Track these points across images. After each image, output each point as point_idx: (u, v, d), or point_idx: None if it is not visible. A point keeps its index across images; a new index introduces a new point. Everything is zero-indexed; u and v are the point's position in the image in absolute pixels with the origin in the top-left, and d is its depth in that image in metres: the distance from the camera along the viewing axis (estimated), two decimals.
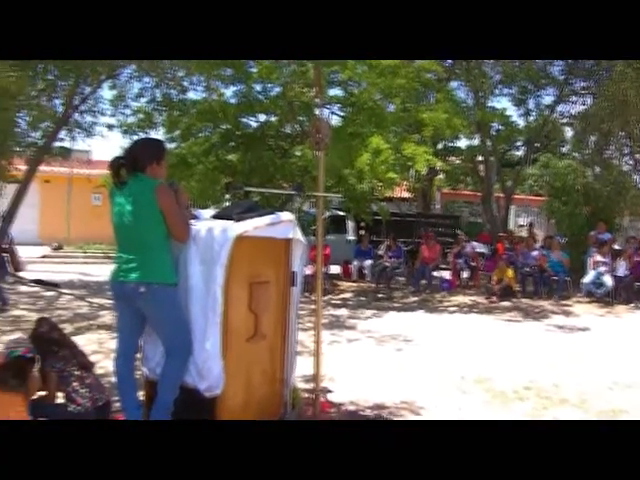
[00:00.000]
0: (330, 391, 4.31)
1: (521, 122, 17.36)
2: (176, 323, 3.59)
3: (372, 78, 10.93)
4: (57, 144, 14.10)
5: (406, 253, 13.62)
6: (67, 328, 7.17)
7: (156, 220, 3.48)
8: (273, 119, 12.75)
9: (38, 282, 11.35)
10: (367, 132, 10.86)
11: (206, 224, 3.66)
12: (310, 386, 4.67)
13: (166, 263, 3.55)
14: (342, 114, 12.41)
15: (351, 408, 4.62)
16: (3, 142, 10.34)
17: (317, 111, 11.77)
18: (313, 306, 8.25)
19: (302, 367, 4.51)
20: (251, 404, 3.83)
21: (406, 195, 19.75)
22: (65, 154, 14.64)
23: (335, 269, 13.72)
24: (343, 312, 9.69)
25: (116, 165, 3.63)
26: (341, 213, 14.72)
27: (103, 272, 13.77)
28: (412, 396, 4.97)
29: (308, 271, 6.32)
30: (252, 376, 3.86)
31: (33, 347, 3.76)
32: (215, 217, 3.88)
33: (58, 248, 19.61)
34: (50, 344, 4.01)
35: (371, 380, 5.49)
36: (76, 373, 3.95)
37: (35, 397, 3.88)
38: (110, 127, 14.23)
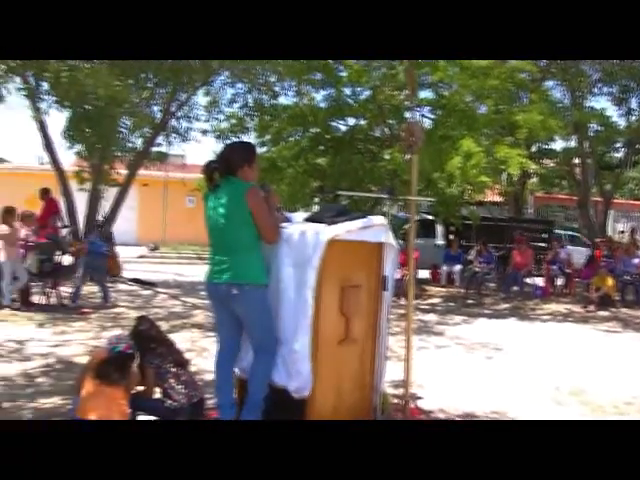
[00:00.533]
0: (420, 397, 4.25)
1: (622, 122, 16.56)
2: (265, 324, 3.65)
3: (464, 79, 10.73)
4: (155, 149, 14.70)
5: (497, 258, 13.26)
6: (162, 326, 7.43)
7: (247, 222, 3.55)
8: (362, 122, 12.75)
9: (136, 281, 11.86)
10: (458, 135, 10.66)
11: (298, 227, 3.70)
12: (399, 392, 4.63)
13: (257, 264, 3.62)
14: (432, 117, 12.25)
15: (440, 416, 4.53)
16: (106, 147, 10.87)
17: (408, 114, 11.74)
18: (401, 310, 8.28)
19: (390, 372, 4.47)
20: (341, 408, 3.83)
21: (498, 199, 19.25)
22: (162, 158, 15.23)
23: (423, 274, 13.56)
24: (431, 317, 9.56)
25: (209, 169, 3.73)
26: (430, 217, 14.51)
27: (196, 272, 14.32)
28: (503, 406, 4.82)
29: (396, 275, 6.27)
30: (342, 380, 3.86)
31: (133, 344, 3.92)
32: (307, 220, 3.92)
33: (154, 249, 20.43)
34: (149, 341, 4.17)
35: (461, 388, 5.37)
36: (172, 370, 4.07)
37: (134, 391, 4.05)
38: (204, 132, 14.67)
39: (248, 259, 3.60)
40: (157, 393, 4.13)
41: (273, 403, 3.90)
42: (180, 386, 4.02)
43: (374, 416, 3.94)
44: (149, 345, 4.14)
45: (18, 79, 9.19)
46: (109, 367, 3.66)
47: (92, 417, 3.50)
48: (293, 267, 3.61)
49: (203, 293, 10.58)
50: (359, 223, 3.76)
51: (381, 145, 12.76)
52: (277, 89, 13.96)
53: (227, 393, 3.83)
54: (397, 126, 12.34)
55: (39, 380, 5.13)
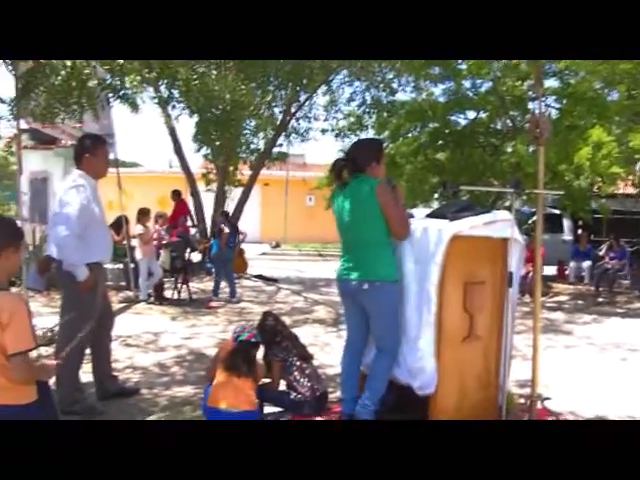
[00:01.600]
0: (547, 398, 4.07)
1: None
2: (391, 322, 3.66)
3: (592, 65, 10.14)
4: (276, 149, 15.12)
5: (630, 254, 12.45)
6: (286, 320, 7.65)
7: (377, 218, 3.57)
8: (483, 115, 12.40)
9: (260, 277, 12.28)
10: (586, 124, 10.11)
11: (421, 223, 3.68)
12: (524, 392, 4.49)
13: (388, 260, 3.62)
14: (558, 106, 11.69)
15: (570, 418, 4.33)
16: (232, 150, 11.32)
17: (532, 105, 11.30)
18: (526, 308, 7.99)
19: (515, 371, 4.34)
20: (464, 406, 3.78)
21: (631, 191, 18.02)
22: (283, 158, 15.65)
23: (549, 270, 12.99)
24: (559, 316, 9.14)
25: (338, 167, 3.79)
26: (556, 211, 13.87)
27: (316, 269, 14.63)
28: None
29: (521, 272, 6.06)
30: (466, 378, 3.80)
31: (258, 335, 4.06)
32: (429, 216, 3.89)
33: (276, 246, 21.03)
34: (274, 335, 4.31)
35: (591, 390, 5.10)
36: (297, 363, 4.18)
37: (261, 383, 4.21)
38: (323, 131, 14.92)
39: (379, 255, 3.61)
40: (282, 386, 4.27)
41: (396, 400, 3.92)
42: (305, 379, 4.12)
43: (499, 416, 3.84)
44: (274, 339, 4.28)
45: (151, 89, 9.81)
46: (237, 358, 3.81)
47: (222, 406, 3.68)
48: (415, 264, 3.60)
49: (324, 289, 10.85)
50: (483, 218, 3.69)
51: (503, 138, 12.35)
52: (395, 85, 13.92)
53: (351, 388, 3.87)
54: (520, 118, 11.90)
55: (173, 370, 5.45)
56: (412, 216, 3.89)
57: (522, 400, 4.22)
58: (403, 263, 3.65)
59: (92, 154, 4.24)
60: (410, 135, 12.88)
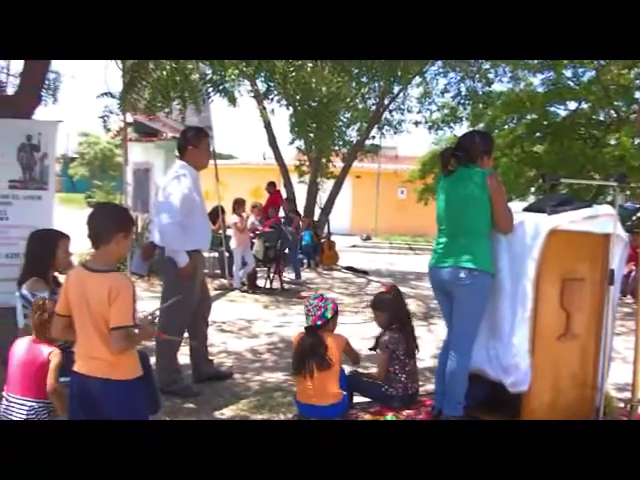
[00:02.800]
0: None
1: None
2: (476, 316, 3.59)
3: None
4: (368, 142, 15.11)
5: None
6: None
7: (484, 207, 3.52)
8: (585, 106, 11.90)
9: (350, 269, 12.34)
10: None
11: (517, 217, 3.59)
12: (623, 395, 4.30)
13: (487, 251, 3.56)
14: None
15: None
16: (326, 142, 11.44)
17: (638, 94, 10.73)
18: (627, 309, 7.61)
19: (614, 374, 4.15)
20: (558, 405, 3.67)
21: None
22: (375, 151, 15.62)
23: None
24: None
25: (447, 154, 3.77)
26: None
27: (407, 262, 14.54)
28: None
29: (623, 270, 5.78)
30: (560, 377, 3.69)
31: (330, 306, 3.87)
32: (527, 210, 3.80)
33: (367, 239, 21.04)
34: (395, 315, 4.20)
35: None
36: (401, 357, 4.11)
37: (362, 371, 4.24)
38: (416, 123, 14.77)
39: (480, 244, 3.55)
40: None
41: (486, 396, 3.86)
42: (403, 376, 4.07)
43: (595, 417, 3.71)
44: (392, 322, 4.18)
45: (247, 82, 10.05)
46: (301, 358, 3.75)
47: (308, 401, 3.71)
48: (510, 258, 3.53)
49: (414, 283, 10.78)
50: (584, 213, 3.55)
51: (606, 129, 11.81)
52: (491, 76, 13.55)
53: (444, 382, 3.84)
54: (625, 108, 11.32)
55: (264, 356, 5.60)
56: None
57: (621, 404, 4.05)
58: (498, 258, 3.59)
59: (195, 146, 4.41)
60: (506, 127, 12.55)
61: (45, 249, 3.63)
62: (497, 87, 13.54)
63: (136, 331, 2.63)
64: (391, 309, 4.21)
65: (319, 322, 3.78)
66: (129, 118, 7.77)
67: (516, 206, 4.05)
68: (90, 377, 2.56)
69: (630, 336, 5.45)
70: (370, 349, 4.39)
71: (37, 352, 3.02)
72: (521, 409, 3.56)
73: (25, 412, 2.93)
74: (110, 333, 2.50)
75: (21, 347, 3.08)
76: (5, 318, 4.22)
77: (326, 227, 13.77)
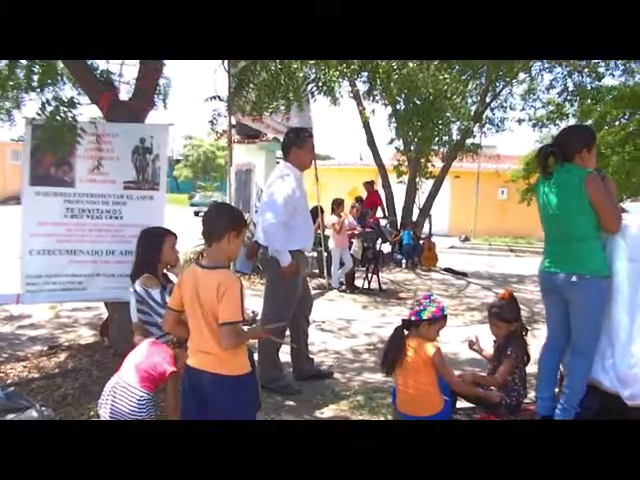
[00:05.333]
0: None
1: None
2: (595, 320, 3.44)
3: None
4: (469, 140, 14.78)
5: None
6: (475, 316, 7.52)
7: (586, 210, 3.36)
8: None
9: (449, 270, 12.12)
10: None
11: (637, 219, 3.38)
12: None
13: (598, 254, 3.41)
14: None
15: None
16: (430, 140, 11.28)
17: None
18: None
19: None
20: None
21: None
22: (476, 150, 15.27)
23: None
24: None
25: (544, 154, 3.61)
26: None
27: (507, 264, 14.10)
28: None
29: None
30: None
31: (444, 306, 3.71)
32: None
33: (465, 240, 20.61)
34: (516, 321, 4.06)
35: None
36: (520, 365, 3.97)
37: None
38: (520, 121, 14.30)
39: (588, 248, 3.41)
40: None
41: (600, 406, 3.66)
42: (519, 385, 3.94)
43: None
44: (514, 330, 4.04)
45: (346, 82, 10.07)
46: (388, 357, 3.65)
47: (406, 412, 3.65)
48: (629, 261, 3.32)
49: (516, 286, 10.43)
50: None
51: None
52: (601, 70, 12.89)
53: (549, 386, 3.70)
54: None
55: (364, 356, 5.59)
56: (625, 211, 3.59)
57: None
58: (615, 260, 3.39)
59: (299, 147, 4.47)
60: (617, 123, 11.90)
61: (152, 245, 3.79)
62: (608, 81, 12.88)
63: (245, 328, 2.69)
64: (519, 319, 4.06)
65: (413, 318, 3.62)
66: (234, 121, 7.98)
67: (635, 207, 3.82)
68: (201, 371, 2.64)
69: None
70: (488, 360, 4.23)
71: (157, 362, 3.16)
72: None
73: (136, 401, 3.05)
74: (219, 329, 2.56)
75: (147, 351, 3.23)
76: (121, 312, 4.46)
77: (427, 228, 13.59)
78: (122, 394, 3.07)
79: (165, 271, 3.90)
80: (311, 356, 4.98)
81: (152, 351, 3.22)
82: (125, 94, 5.18)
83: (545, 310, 3.84)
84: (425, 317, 3.58)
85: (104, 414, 3.10)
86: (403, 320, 3.72)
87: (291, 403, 4.23)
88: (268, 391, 4.29)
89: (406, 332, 3.69)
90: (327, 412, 4.10)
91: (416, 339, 3.61)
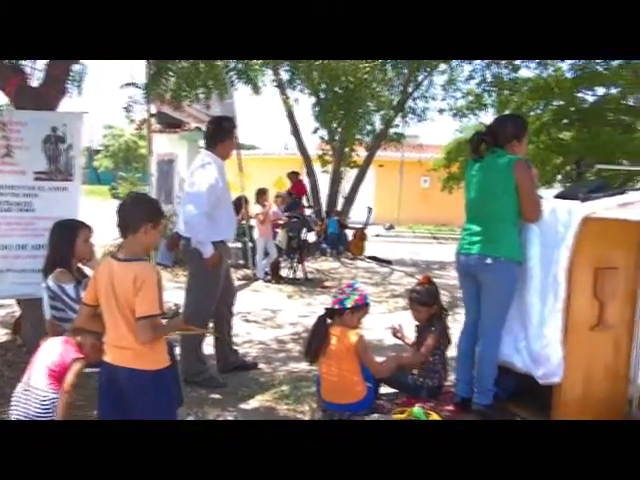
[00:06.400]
0: None
1: None
2: (504, 304, 3.56)
3: None
4: (392, 130, 14.96)
5: None
6: (400, 302, 7.65)
7: (510, 193, 3.47)
8: (614, 91, 11.62)
9: (373, 258, 12.28)
10: None
11: (549, 204, 3.51)
12: None
13: (514, 239, 3.51)
14: None
15: None
16: (349, 130, 11.34)
17: None
18: None
19: None
20: (590, 398, 3.59)
21: None
22: (399, 139, 15.48)
23: None
24: None
25: (477, 140, 3.70)
26: None
27: (431, 252, 14.42)
28: None
29: None
30: (592, 368, 3.60)
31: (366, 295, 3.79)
32: (558, 197, 3.71)
33: (390, 228, 20.92)
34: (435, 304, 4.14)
35: None
36: (442, 347, 4.06)
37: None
38: (441, 111, 14.56)
39: (507, 232, 3.51)
40: None
41: (517, 388, 3.79)
42: (440, 366, 4.04)
43: (628, 410, 3.62)
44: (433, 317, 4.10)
45: (270, 71, 9.98)
46: (311, 345, 3.70)
47: (329, 399, 3.67)
48: (541, 246, 3.44)
49: (438, 272, 10.68)
50: (618, 199, 3.45)
51: (636, 115, 11.54)
52: (517, 62, 13.29)
53: (467, 369, 3.80)
54: None
55: (289, 346, 5.58)
56: (540, 197, 3.72)
57: None
58: (528, 246, 3.51)
59: (221, 136, 4.39)
60: (532, 114, 12.32)
61: (65, 239, 3.63)
62: (524, 73, 13.29)
63: (164, 322, 2.62)
64: (439, 300, 4.15)
65: (336, 306, 3.67)
66: (153, 109, 7.78)
67: (546, 193, 3.96)
68: (118, 367, 2.56)
69: None
70: (410, 346, 4.30)
71: (62, 356, 3.01)
72: (552, 402, 3.48)
73: (40, 402, 2.90)
74: (136, 323, 2.49)
75: (51, 347, 3.07)
76: (34, 309, 4.26)
77: (366, 218, 13.72)
78: (27, 396, 2.92)
79: (80, 265, 3.75)
80: (236, 347, 4.93)
81: (58, 348, 3.07)
82: (36, 81, 4.94)
83: (463, 295, 3.94)
84: (348, 305, 3.62)
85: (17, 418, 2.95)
86: (326, 309, 3.75)
87: (215, 396, 4.17)
88: (192, 385, 4.22)
89: (329, 321, 3.72)
90: (252, 403, 4.07)
91: (339, 327, 3.65)
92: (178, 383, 3.54)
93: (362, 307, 3.69)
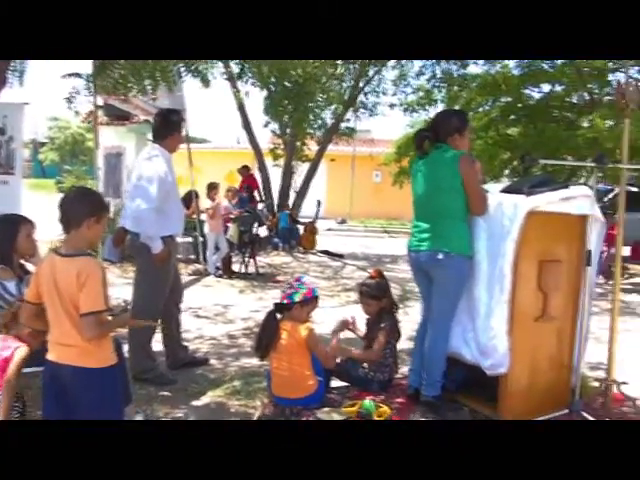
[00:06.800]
0: (624, 383, 3.92)
1: None
2: (455, 297, 3.61)
3: None
4: (343, 124, 15.02)
5: None
6: (351, 296, 7.68)
7: (457, 190, 3.51)
8: (559, 88, 11.93)
9: (325, 252, 12.32)
10: None
11: (495, 198, 3.57)
12: (596, 375, 4.33)
13: (464, 233, 3.56)
14: None
15: None
16: (300, 124, 11.32)
17: (611, 77, 10.79)
18: (599, 290, 7.67)
19: (588, 354, 4.18)
20: (535, 387, 3.68)
21: None
22: (351, 134, 15.55)
23: (624, 251, 12.45)
24: (634, 298, 8.78)
25: (420, 137, 3.74)
26: (634, 189, 13.25)
27: (382, 246, 14.55)
28: None
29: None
30: (538, 358, 3.69)
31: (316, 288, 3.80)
32: (504, 191, 3.78)
33: (342, 222, 21.02)
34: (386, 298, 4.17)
35: None
36: (392, 341, 4.10)
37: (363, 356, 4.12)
38: (391, 106, 14.67)
39: (455, 227, 3.56)
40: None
41: (465, 379, 3.86)
42: (391, 359, 4.08)
43: (572, 399, 3.73)
44: (383, 310, 4.14)
45: (221, 64, 9.87)
46: (262, 340, 3.68)
47: (280, 394, 3.67)
48: (488, 240, 3.51)
49: (390, 266, 10.78)
50: (561, 194, 3.54)
51: (579, 112, 11.86)
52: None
53: (420, 359, 3.84)
54: (599, 90, 11.39)
55: (241, 341, 5.54)
56: (487, 191, 3.78)
57: (596, 384, 4.08)
58: (475, 239, 3.57)
59: (170, 129, 4.31)
60: (481, 110, 12.54)
61: (6, 234, 3.50)
62: (473, 69, 13.52)
63: (109, 317, 2.56)
64: (389, 294, 4.18)
65: (285, 301, 3.67)
66: (100, 101, 7.60)
67: (493, 188, 4.04)
68: (62, 365, 2.49)
69: (602, 316, 5.52)
70: (361, 339, 4.34)
71: (4, 348, 2.93)
72: (499, 392, 3.55)
73: None
74: (81, 319, 2.42)
75: None
76: None
77: (315, 212, 13.72)
78: None
79: (22, 262, 3.63)
80: (186, 343, 4.87)
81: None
82: None
83: (419, 289, 3.98)
84: (297, 299, 3.62)
85: None
86: (275, 304, 3.73)
87: (165, 393, 4.10)
88: (141, 382, 4.14)
89: (279, 316, 3.71)
90: (203, 400, 4.02)
91: (289, 322, 3.64)
92: (125, 381, 3.47)
93: (311, 300, 3.70)
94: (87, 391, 2.50)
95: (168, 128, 4.31)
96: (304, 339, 3.58)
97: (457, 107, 12.47)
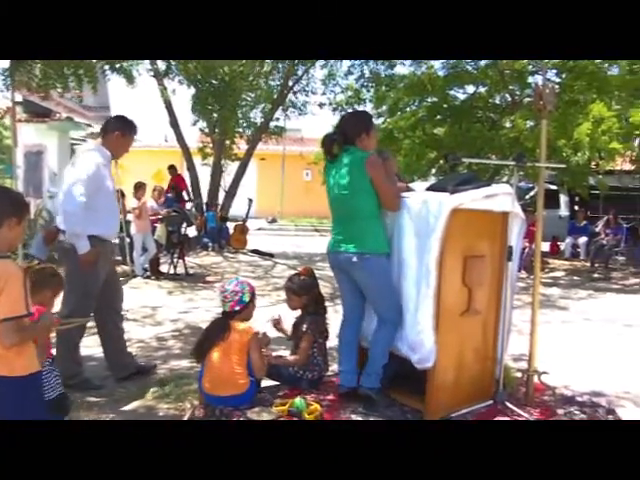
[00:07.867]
0: (545, 372, 4.09)
1: None
2: (387, 293, 3.67)
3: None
4: (273, 123, 14.99)
5: (627, 230, 12.45)
6: (282, 296, 7.68)
7: (367, 190, 3.59)
8: (482, 90, 12.32)
9: (256, 252, 12.27)
10: (587, 99, 10.03)
11: (420, 196, 3.65)
12: (520, 366, 4.50)
13: (378, 233, 3.64)
14: (558, 80, 11.59)
15: (566, 393, 4.36)
16: (229, 123, 11.21)
17: (531, 79, 11.22)
18: (521, 284, 7.98)
19: (511, 346, 4.34)
20: (462, 380, 3.78)
21: (629, 167, 17.93)
22: (280, 133, 15.54)
23: (544, 246, 12.99)
24: (554, 291, 9.18)
25: (329, 141, 3.78)
26: (552, 187, 13.84)
27: (313, 244, 14.61)
28: (636, 386, 4.56)
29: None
30: (464, 352, 3.80)
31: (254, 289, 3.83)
32: (429, 189, 3.87)
33: (272, 221, 20.99)
34: (314, 299, 4.20)
35: (587, 365, 5.13)
36: (320, 340, 4.13)
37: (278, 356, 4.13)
38: (321, 105, 14.76)
39: (368, 227, 3.63)
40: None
41: (397, 371, 3.92)
42: (321, 358, 4.11)
43: (496, 390, 3.85)
44: (311, 307, 4.17)
45: (147, 61, 9.66)
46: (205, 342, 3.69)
47: (210, 392, 3.64)
48: (415, 237, 3.58)
49: (320, 264, 10.82)
50: (484, 191, 3.65)
51: (502, 112, 12.29)
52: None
53: (350, 360, 3.89)
54: (519, 92, 11.82)
55: (170, 343, 5.46)
56: (411, 189, 3.87)
57: (519, 374, 4.24)
58: (402, 237, 3.64)
59: (123, 134, 4.21)
60: (408, 109, 12.78)
61: None
62: (400, 70, 13.76)
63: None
64: (313, 293, 4.20)
65: (237, 307, 3.69)
66: (18, 97, 7.29)
67: (419, 186, 4.12)
68: None
69: (524, 309, 5.73)
70: (288, 339, 4.35)
71: None
72: (426, 385, 3.63)
73: None
74: (0, 325, 2.32)
75: None
76: None
77: (246, 210, 13.61)
78: None
79: None
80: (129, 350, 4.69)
81: None
82: None
83: (339, 289, 4.03)
84: (248, 299, 3.71)
85: None
86: (225, 312, 3.73)
87: (92, 399, 3.98)
88: (67, 388, 3.99)
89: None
90: (131, 405, 3.93)
91: (240, 322, 3.69)
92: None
93: (255, 295, 3.79)
94: (7, 401, 2.40)
95: (118, 130, 4.20)
96: (248, 341, 3.63)
97: (385, 107, 12.69)
